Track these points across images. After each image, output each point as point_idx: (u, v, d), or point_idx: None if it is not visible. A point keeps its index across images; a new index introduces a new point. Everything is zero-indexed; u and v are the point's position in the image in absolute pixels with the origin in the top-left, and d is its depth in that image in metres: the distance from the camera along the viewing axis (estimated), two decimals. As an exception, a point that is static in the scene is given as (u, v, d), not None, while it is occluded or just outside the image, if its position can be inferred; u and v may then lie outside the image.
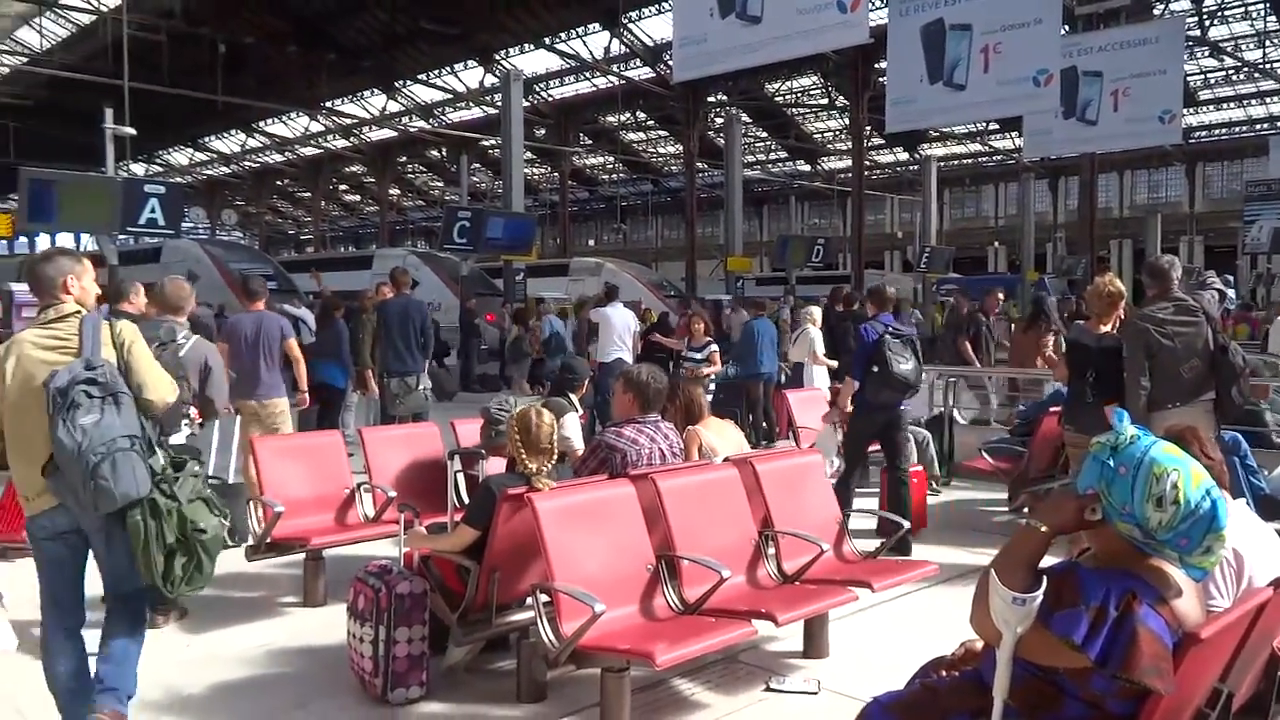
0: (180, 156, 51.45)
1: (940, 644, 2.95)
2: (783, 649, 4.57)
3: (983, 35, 12.81)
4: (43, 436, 3.23)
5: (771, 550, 4.50)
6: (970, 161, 46.92)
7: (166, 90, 22.86)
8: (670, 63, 29.32)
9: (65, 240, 47.44)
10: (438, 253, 27.29)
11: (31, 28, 34.24)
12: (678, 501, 4.15)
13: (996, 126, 36.56)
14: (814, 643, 4.47)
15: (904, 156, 44.97)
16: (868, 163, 38.52)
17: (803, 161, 47.25)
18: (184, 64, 25.78)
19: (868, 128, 29.69)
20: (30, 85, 33.39)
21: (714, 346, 9.97)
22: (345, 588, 5.15)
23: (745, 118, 36.85)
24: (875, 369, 6.30)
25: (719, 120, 35.78)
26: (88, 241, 41.87)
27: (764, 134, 44.30)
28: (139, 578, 3.36)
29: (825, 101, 37.68)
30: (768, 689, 4.13)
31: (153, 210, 12.55)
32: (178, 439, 4.98)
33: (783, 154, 47.23)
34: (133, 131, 16.43)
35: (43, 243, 45.88)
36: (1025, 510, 7.32)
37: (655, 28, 30.78)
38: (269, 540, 5.09)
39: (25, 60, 33.19)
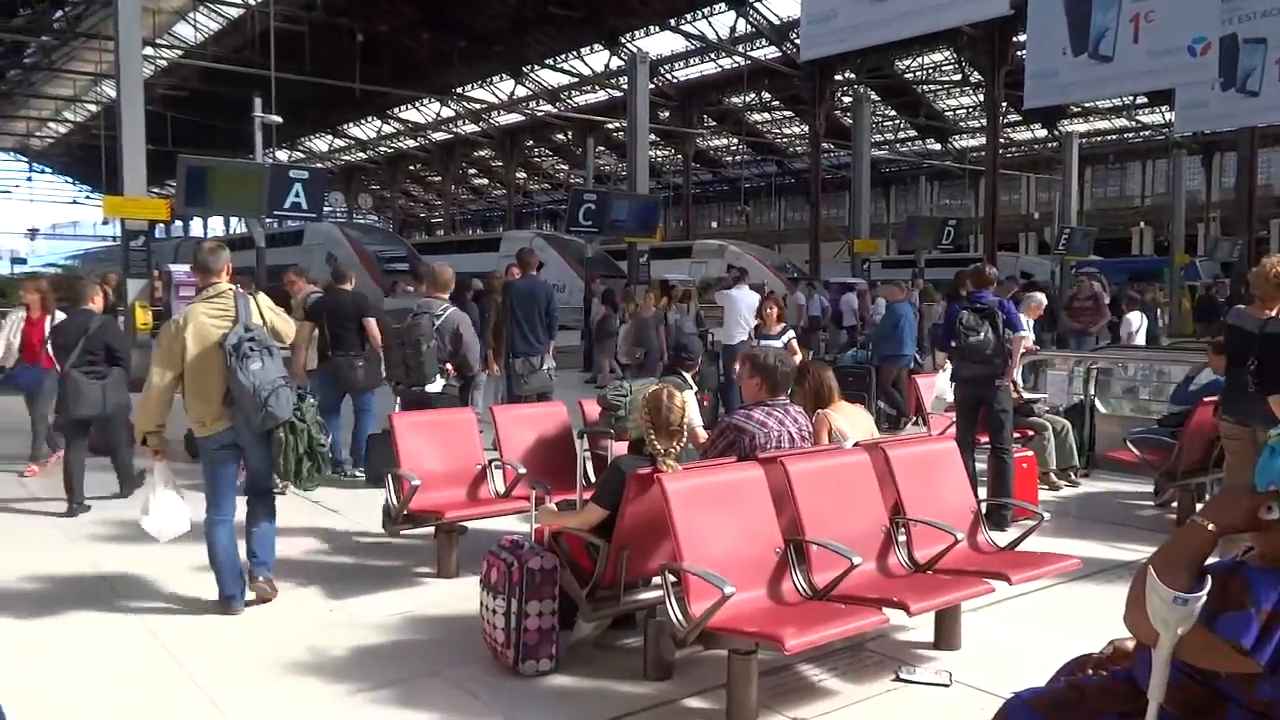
0: (320, 143, 53.71)
1: (1082, 641, 2.82)
2: (912, 639, 4.47)
3: (1132, 3, 12.13)
4: (219, 379, 4.60)
5: (903, 538, 4.40)
6: (1115, 137, 44.53)
7: (308, 79, 23.81)
8: (797, 41, 28.90)
9: (215, 224, 50.31)
10: (563, 235, 27.70)
11: (187, 22, 36.33)
12: (807, 485, 4.09)
13: (1144, 100, 34.59)
14: (945, 634, 4.36)
15: (1042, 133, 43.05)
16: (1003, 140, 37.06)
17: (933, 140, 45.85)
18: (324, 54, 26.84)
19: (1003, 104, 28.53)
20: (185, 77, 35.45)
21: (791, 333, 8.81)
22: (476, 560, 5.32)
23: (874, 96, 35.97)
24: (954, 343, 6.55)
25: (846, 99, 35.05)
26: (236, 225, 44.34)
27: (893, 112, 43.14)
28: (274, 477, 4.89)
29: (958, 77, 36.39)
30: (897, 679, 4.05)
31: (297, 195, 13.12)
32: (434, 388, 6.62)
33: (912, 132, 45.91)
34: (279, 119, 17.21)
35: (195, 226, 48.72)
36: (1173, 504, 6.96)
37: (782, 6, 30.39)
38: (406, 512, 5.27)
39: (181, 53, 35.18)
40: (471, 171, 58.65)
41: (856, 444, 4.74)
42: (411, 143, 51.28)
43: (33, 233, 73.26)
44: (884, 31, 13.39)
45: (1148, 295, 18.56)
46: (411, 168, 56.89)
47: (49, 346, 7.56)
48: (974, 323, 6.42)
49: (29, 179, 71.62)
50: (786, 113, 42.80)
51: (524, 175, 56.06)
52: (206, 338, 4.64)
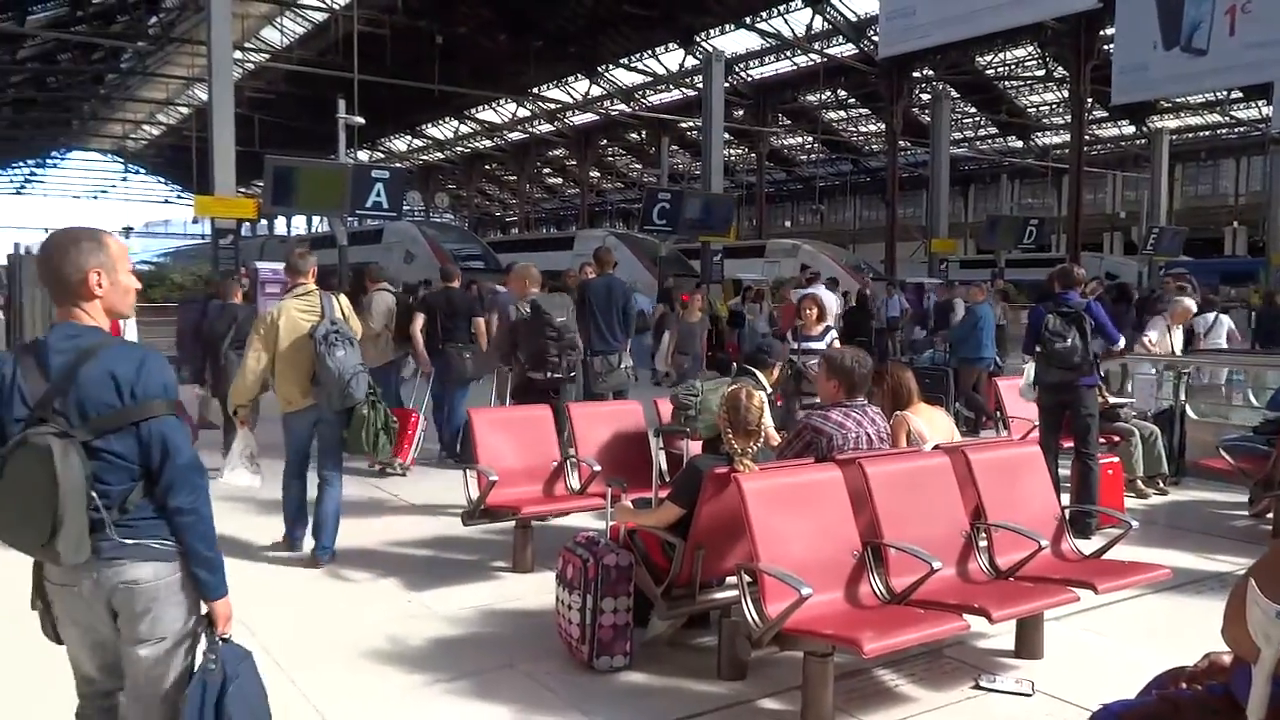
0: (399, 143, 54.74)
1: (1172, 654, 2.73)
2: (992, 647, 4.38)
3: (1229, -6, 11.72)
4: (307, 364, 5.43)
5: (984, 543, 4.31)
6: (1207, 133, 42.92)
7: (389, 81, 24.30)
8: (875, 38, 28.52)
9: (298, 222, 51.63)
10: (636, 234, 27.79)
11: (274, 27, 37.35)
12: (885, 488, 4.05)
13: (1239, 94, 33.27)
14: (1027, 643, 4.26)
15: (1129, 129, 41.73)
16: (1088, 137, 35.99)
17: (1014, 137, 44.78)
18: (404, 56, 27.37)
19: (1089, 99, 27.72)
20: (271, 80, 36.46)
21: (833, 334, 8.16)
22: (551, 555, 5.38)
23: (953, 93, 35.29)
24: (1039, 347, 6.39)
25: (924, 96, 34.45)
26: (318, 224, 45.47)
27: (972, 109, 42.24)
28: (342, 452, 5.72)
29: (1041, 73, 35.49)
30: (977, 686, 3.97)
31: (378, 194, 13.43)
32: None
33: (993, 130, 44.89)
34: (362, 120, 17.59)
35: (279, 225, 50.08)
36: (1268, 515, 6.69)
37: (860, 2, 29.97)
38: (483, 507, 5.35)
39: (268, 57, 36.20)
40: (546, 170, 59.16)
41: (936, 447, 4.67)
42: (488, 142, 51.94)
43: (127, 231, 76.06)
44: (967, 27, 13.14)
45: (1239, 297, 17.86)
46: (487, 167, 57.63)
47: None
48: (1060, 328, 6.25)
49: (124, 179, 74.63)
50: (862, 110, 42.23)
51: (597, 174, 56.35)
52: (297, 329, 5.50)
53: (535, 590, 5.14)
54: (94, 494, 2.29)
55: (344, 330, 5.51)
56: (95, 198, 75.95)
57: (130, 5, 34.89)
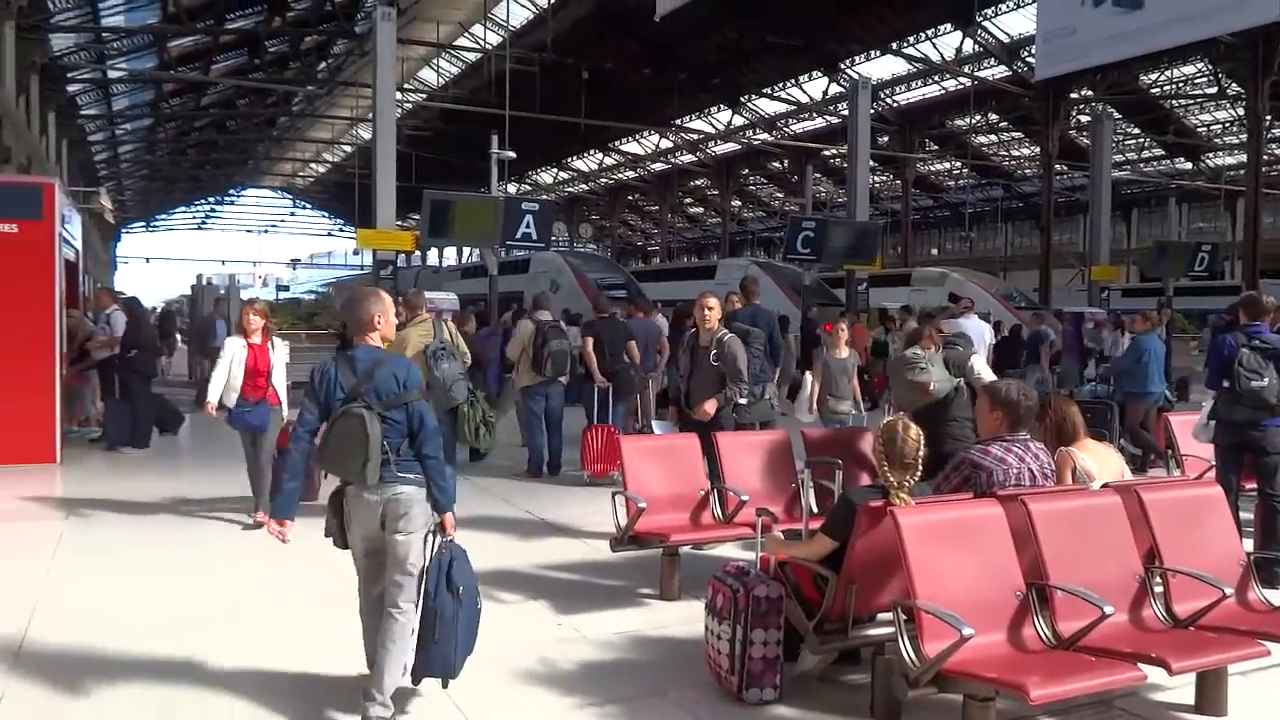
0: (546, 176, 56.34)
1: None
2: (1168, 700, 4.11)
3: None
4: (424, 375, 5.80)
5: (1159, 589, 4.06)
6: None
7: (538, 116, 25.07)
8: (1030, 59, 27.59)
9: (449, 253, 53.70)
10: (778, 263, 27.63)
11: (430, 68, 39.23)
12: (1051, 527, 3.87)
13: None
14: (1209, 698, 3.97)
15: (1314, 148, 38.81)
16: (1266, 157, 33.66)
17: (1183, 159, 42.29)
18: (553, 91, 28.17)
19: (1267, 117, 25.92)
20: (427, 118, 38.21)
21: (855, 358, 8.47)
22: (696, 583, 5.38)
23: (1114, 113, 33.69)
24: (1226, 383, 5.91)
25: (1083, 118, 33.02)
26: (467, 254, 47.20)
27: (1135, 130, 40.20)
28: (454, 445, 7.23)
29: (1213, 90, 33.46)
30: (1152, 742, 3.74)
31: (528, 225, 13.85)
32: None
33: (1158, 151, 42.56)
34: (513, 155, 18.22)
35: (431, 255, 52.24)
36: None
37: (1014, 23, 29.08)
38: (631, 533, 5.41)
39: (424, 96, 37.99)
40: (687, 200, 59.66)
41: (1105, 485, 4.44)
42: (630, 174, 52.84)
43: (294, 262, 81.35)
44: (1132, 45, 12.55)
45: None
46: (630, 197, 58.60)
47: (274, 378, 7.17)
48: (1256, 364, 5.78)
49: (292, 213, 79.71)
50: (1015, 134, 40.85)
51: (739, 203, 56.42)
52: (418, 348, 7.31)
53: (682, 618, 5.14)
54: (384, 444, 3.71)
55: (449, 348, 7.49)
56: (266, 231, 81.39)
57: (302, 52, 37.34)
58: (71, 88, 34.03)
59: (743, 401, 7.02)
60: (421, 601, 3.80)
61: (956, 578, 3.68)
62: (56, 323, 9.89)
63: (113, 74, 34.43)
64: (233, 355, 7.06)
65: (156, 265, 70.89)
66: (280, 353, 7.30)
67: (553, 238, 17.52)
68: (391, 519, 3.78)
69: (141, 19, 29.54)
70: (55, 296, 9.76)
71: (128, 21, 29.44)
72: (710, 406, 6.68)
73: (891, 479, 3.86)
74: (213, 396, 7.19)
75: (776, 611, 4.05)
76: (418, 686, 4.00)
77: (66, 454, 9.79)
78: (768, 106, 39.05)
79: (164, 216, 76.98)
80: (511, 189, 48.48)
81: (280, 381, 7.26)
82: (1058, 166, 32.33)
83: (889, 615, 3.80)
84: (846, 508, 3.94)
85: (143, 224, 74.90)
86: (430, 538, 3.88)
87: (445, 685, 3.95)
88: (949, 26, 29.67)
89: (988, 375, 6.34)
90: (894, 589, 3.87)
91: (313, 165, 64.96)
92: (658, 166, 49.57)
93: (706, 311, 6.90)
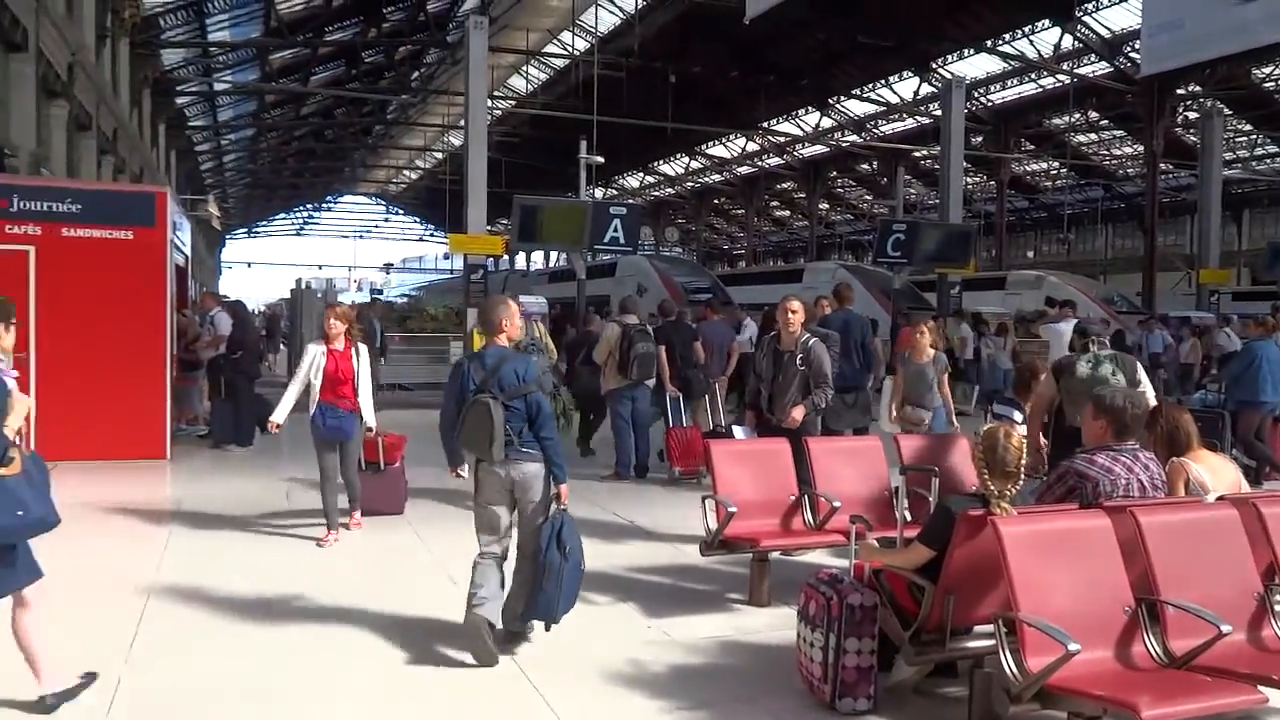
0: (632, 180, 56.61)
1: None
2: (1290, 724, 3.90)
3: None
4: None
5: (1280, 607, 3.86)
6: None
7: (625, 121, 25.20)
8: (1134, 55, 26.58)
9: (537, 257, 54.41)
10: (866, 266, 27.21)
11: (519, 75, 39.82)
12: (1162, 540, 3.71)
13: None
14: (1336, 724, 3.76)
15: None
16: (1392, 153, 31.81)
17: (1300, 155, 40.23)
18: (640, 96, 28.29)
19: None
20: (516, 124, 38.79)
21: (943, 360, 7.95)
22: (785, 589, 5.33)
23: (1224, 109, 32.23)
24: None
25: (1190, 114, 31.69)
26: (555, 258, 47.73)
27: (1247, 126, 38.40)
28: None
29: (1335, 83, 31.78)
30: (1273, 770, 3.55)
31: (615, 230, 13.96)
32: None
33: (1271, 148, 40.56)
34: (601, 160, 18.36)
35: (519, 260, 52.97)
36: None
37: (1116, 18, 28.09)
38: (721, 538, 5.38)
39: (514, 103, 38.57)
40: (774, 203, 59.24)
41: (1221, 498, 4.24)
42: (717, 177, 52.70)
43: (387, 267, 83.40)
44: (1246, 37, 11.95)
45: None
46: (716, 201, 58.43)
47: (359, 387, 6.74)
48: None
49: (385, 219, 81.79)
50: (1116, 132, 39.41)
51: (826, 206, 55.75)
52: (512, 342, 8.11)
53: (772, 625, 5.10)
54: (507, 428, 4.50)
55: (538, 343, 8.67)
56: (360, 237, 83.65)
57: (396, 62, 38.33)
58: (180, 100, 35.59)
59: (827, 404, 6.91)
60: (533, 557, 4.52)
61: (1061, 591, 3.55)
62: (168, 326, 10.32)
63: (218, 86, 35.88)
64: (312, 361, 6.66)
65: (258, 270, 73.40)
66: (364, 359, 6.85)
67: (639, 242, 17.59)
68: (516, 490, 4.62)
69: (245, 33, 30.74)
70: (166, 300, 10.18)
71: (233, 36, 30.67)
72: (799, 413, 6.57)
73: (992, 487, 3.76)
74: (279, 415, 6.73)
75: (871, 620, 3.97)
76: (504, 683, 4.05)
77: (175, 451, 10.20)
78: (857, 108, 38.51)
79: (264, 223, 79.93)
80: (598, 193, 48.89)
81: (365, 391, 6.82)
82: (1163, 165, 31.09)
83: (988, 628, 3.70)
84: (945, 516, 3.84)
85: (245, 230, 77.79)
86: (549, 502, 4.64)
87: (548, 628, 4.64)
88: (1047, 23, 28.83)
89: (1149, 387, 5.98)
90: (994, 601, 3.77)
91: (405, 172, 66.57)
92: (744, 170, 49.34)
93: (790, 315, 6.76)
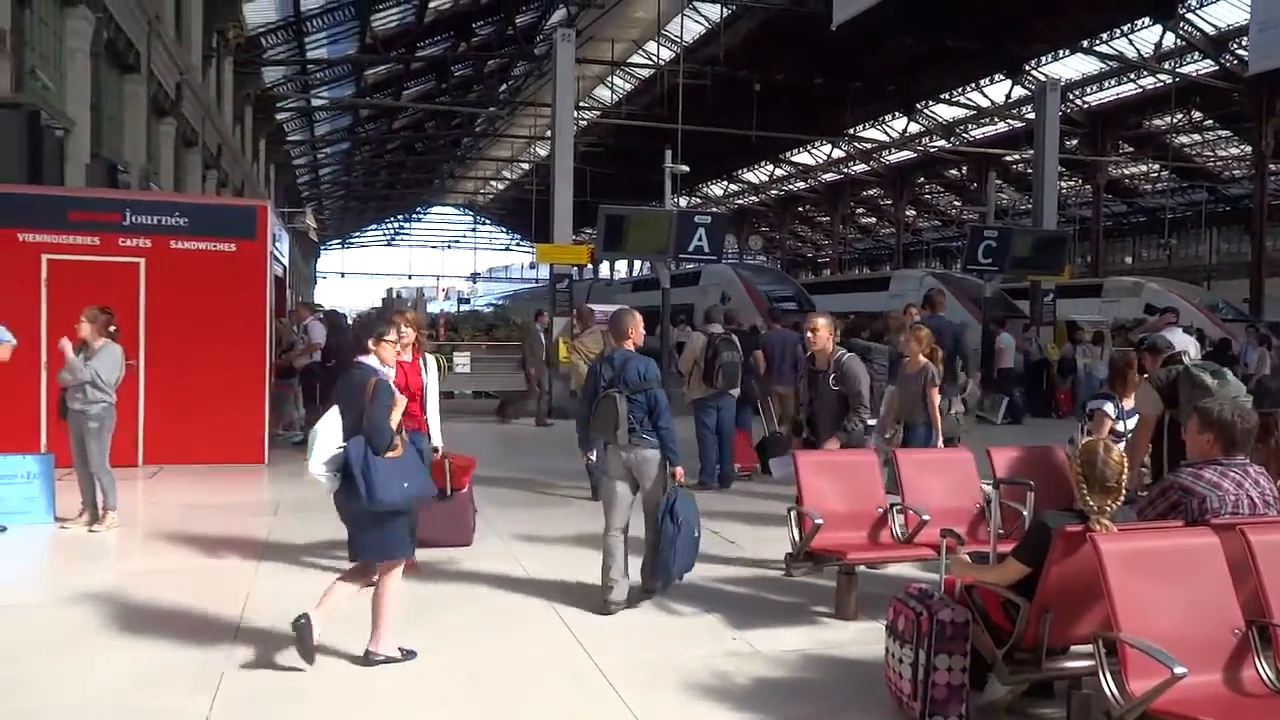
0: (716, 188, 56.55)
1: None
2: None
3: None
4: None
5: (1405, 635, 3.64)
6: None
7: (710, 130, 25.18)
8: (1241, 52, 25.50)
9: (620, 265, 54.77)
10: (955, 274, 26.64)
11: (605, 85, 40.17)
12: (1275, 560, 3.54)
13: None
14: None
15: None
16: None
17: None
18: (724, 105, 28.26)
19: None
20: (601, 134, 39.14)
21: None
22: (873, 604, 5.24)
23: (1340, 107, 30.65)
24: None
25: (1302, 112, 30.20)
26: (639, 267, 47.93)
27: (1366, 124, 36.44)
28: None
29: None
30: (1398, 806, 3.35)
31: (700, 238, 13.96)
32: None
33: (1393, 147, 38.41)
34: (686, 169, 18.37)
35: (603, 269, 53.39)
36: None
37: (1221, 14, 26.98)
38: (807, 550, 5.33)
39: (599, 113, 38.93)
40: (859, 210, 58.54)
41: (1339, 517, 4.02)
42: (801, 184, 52.30)
43: (474, 276, 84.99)
44: (1363, 32, 11.35)
45: None
46: (800, 208, 58.00)
47: (427, 405, 6.14)
48: None
49: (473, 229, 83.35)
50: (1221, 132, 37.84)
51: (913, 212, 54.83)
52: (591, 353, 8.94)
53: (859, 639, 5.03)
54: (630, 417, 5.35)
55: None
56: (449, 247, 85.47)
57: (485, 75, 39.05)
58: (279, 116, 36.89)
59: (869, 425, 6.43)
60: (653, 527, 5.35)
61: (1165, 611, 3.42)
62: (267, 335, 10.69)
63: (315, 102, 37.07)
64: None
65: (350, 279, 75.67)
66: (433, 373, 6.30)
67: (723, 250, 17.56)
68: (635, 470, 5.44)
69: (342, 50, 31.71)
70: (266, 311, 10.55)
71: (330, 53, 31.67)
72: (833, 445, 6.19)
73: (1091, 503, 3.64)
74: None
75: (963, 637, 3.89)
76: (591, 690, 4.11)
77: (273, 455, 10.55)
78: (945, 112, 37.81)
79: (357, 234, 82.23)
80: (682, 201, 48.95)
81: (434, 408, 6.28)
82: (1272, 166, 29.71)
83: (1086, 648, 3.59)
84: (1041, 532, 3.74)
85: (339, 241, 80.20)
86: (665, 481, 5.39)
87: (664, 588, 5.51)
88: (1146, 20, 27.87)
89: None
90: (1093, 620, 3.65)
91: (493, 183, 67.77)
92: (829, 176, 48.86)
93: (811, 335, 6.49)
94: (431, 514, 6.02)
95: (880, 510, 5.62)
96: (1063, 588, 3.67)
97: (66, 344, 7.01)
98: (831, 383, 6.34)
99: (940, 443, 7.12)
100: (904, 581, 4.66)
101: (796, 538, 5.43)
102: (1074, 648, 3.88)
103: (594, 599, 5.57)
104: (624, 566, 5.44)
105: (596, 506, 6.10)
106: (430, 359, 6.33)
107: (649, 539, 5.45)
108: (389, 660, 4.56)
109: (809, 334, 6.54)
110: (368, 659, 4.54)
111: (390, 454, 4.44)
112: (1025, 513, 5.30)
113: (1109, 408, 5.95)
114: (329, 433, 4.43)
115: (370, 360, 4.66)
